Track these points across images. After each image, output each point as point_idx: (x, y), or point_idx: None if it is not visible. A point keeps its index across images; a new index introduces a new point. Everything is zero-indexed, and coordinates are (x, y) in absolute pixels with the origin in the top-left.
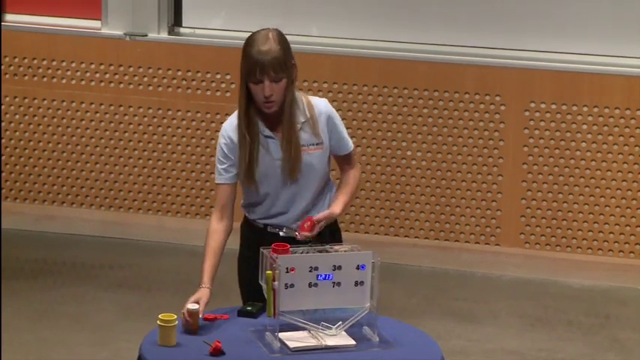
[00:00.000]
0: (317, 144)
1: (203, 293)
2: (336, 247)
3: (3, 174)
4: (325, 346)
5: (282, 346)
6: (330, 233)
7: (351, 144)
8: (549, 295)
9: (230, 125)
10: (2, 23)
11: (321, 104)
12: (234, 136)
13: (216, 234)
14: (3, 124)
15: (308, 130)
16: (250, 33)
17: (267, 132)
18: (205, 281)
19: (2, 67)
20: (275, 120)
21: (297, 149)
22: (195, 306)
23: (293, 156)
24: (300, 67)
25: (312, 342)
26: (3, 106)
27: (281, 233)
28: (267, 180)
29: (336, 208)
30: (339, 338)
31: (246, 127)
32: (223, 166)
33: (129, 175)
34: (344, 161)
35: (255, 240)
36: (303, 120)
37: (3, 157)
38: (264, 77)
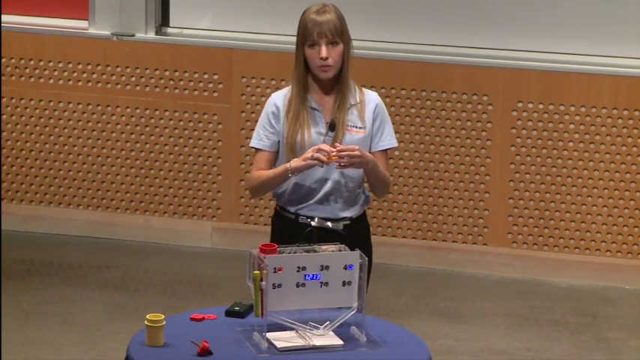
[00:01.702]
0: (360, 127)
1: (295, 160)
2: (324, 247)
3: None
4: (313, 346)
5: (269, 346)
6: (362, 232)
7: (393, 141)
8: (537, 295)
9: (279, 95)
10: None
11: (371, 94)
12: (282, 105)
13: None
14: None
15: (355, 113)
16: (235, 33)
17: (314, 104)
18: (285, 164)
19: None
20: (325, 93)
21: (342, 124)
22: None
23: (337, 130)
24: (287, 68)
25: (299, 342)
26: None
27: (313, 223)
28: (306, 151)
29: (367, 154)
30: (326, 338)
31: (298, 95)
32: (266, 133)
33: (116, 175)
34: (379, 161)
35: (287, 231)
36: (353, 103)
37: None
38: (322, 39)
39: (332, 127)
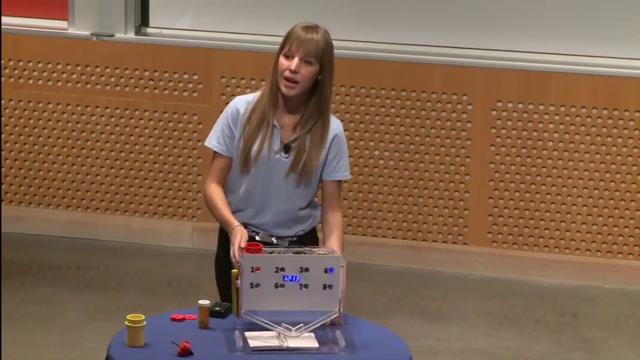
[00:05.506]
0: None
1: (242, 231)
2: (314, 250)
3: None
4: (287, 348)
5: (244, 345)
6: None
7: (348, 174)
8: (517, 294)
9: (242, 99)
10: None
11: (334, 123)
12: (243, 110)
13: (219, 192)
14: None
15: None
16: (215, 33)
17: (275, 121)
18: (234, 222)
19: None
20: (288, 111)
21: (301, 149)
22: (206, 302)
23: (296, 153)
24: (267, 68)
25: (274, 342)
26: None
27: (257, 237)
28: (257, 166)
29: (337, 249)
30: (303, 340)
31: (267, 106)
32: (224, 136)
33: (96, 175)
34: (332, 192)
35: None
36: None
37: None
38: (297, 53)
39: (286, 149)
